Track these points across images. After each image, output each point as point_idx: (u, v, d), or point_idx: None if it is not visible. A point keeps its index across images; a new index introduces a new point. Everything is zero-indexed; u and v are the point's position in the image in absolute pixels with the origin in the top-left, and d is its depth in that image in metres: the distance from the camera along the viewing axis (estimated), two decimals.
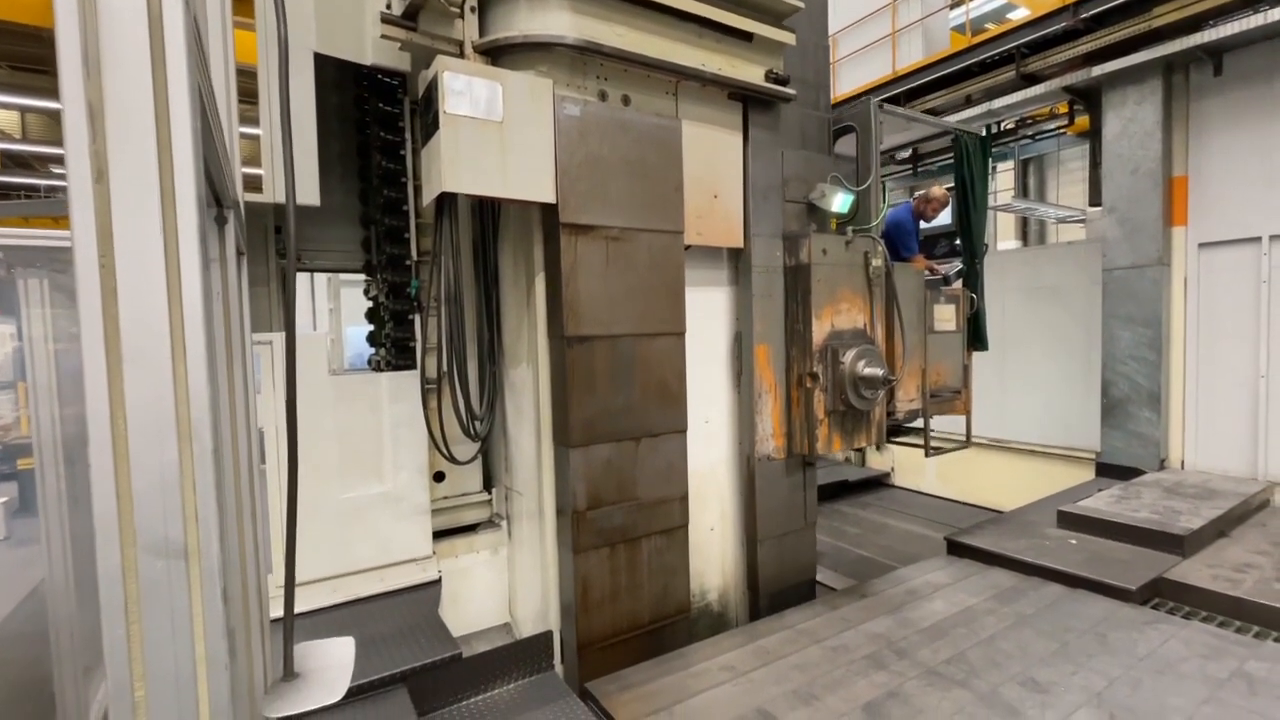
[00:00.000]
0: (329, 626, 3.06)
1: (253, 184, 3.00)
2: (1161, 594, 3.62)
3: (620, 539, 3.22)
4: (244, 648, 1.19)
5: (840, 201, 3.80)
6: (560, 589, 3.25)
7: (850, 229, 3.96)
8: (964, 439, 4.90)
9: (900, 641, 3.15)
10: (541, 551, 3.31)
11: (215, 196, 1.14)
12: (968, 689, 2.72)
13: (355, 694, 2.66)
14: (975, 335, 4.90)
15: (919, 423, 4.56)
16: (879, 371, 3.68)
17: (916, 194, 5.17)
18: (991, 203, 5.54)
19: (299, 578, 3.13)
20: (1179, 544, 3.91)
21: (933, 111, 8.05)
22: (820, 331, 3.74)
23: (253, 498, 1.46)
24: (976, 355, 4.99)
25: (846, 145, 4.30)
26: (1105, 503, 4.64)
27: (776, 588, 3.91)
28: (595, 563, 3.15)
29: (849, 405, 3.73)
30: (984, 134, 4.95)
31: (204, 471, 0.72)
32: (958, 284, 4.98)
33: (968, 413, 4.72)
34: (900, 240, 4.77)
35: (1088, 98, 6.38)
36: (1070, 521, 4.44)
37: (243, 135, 2.86)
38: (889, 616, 3.43)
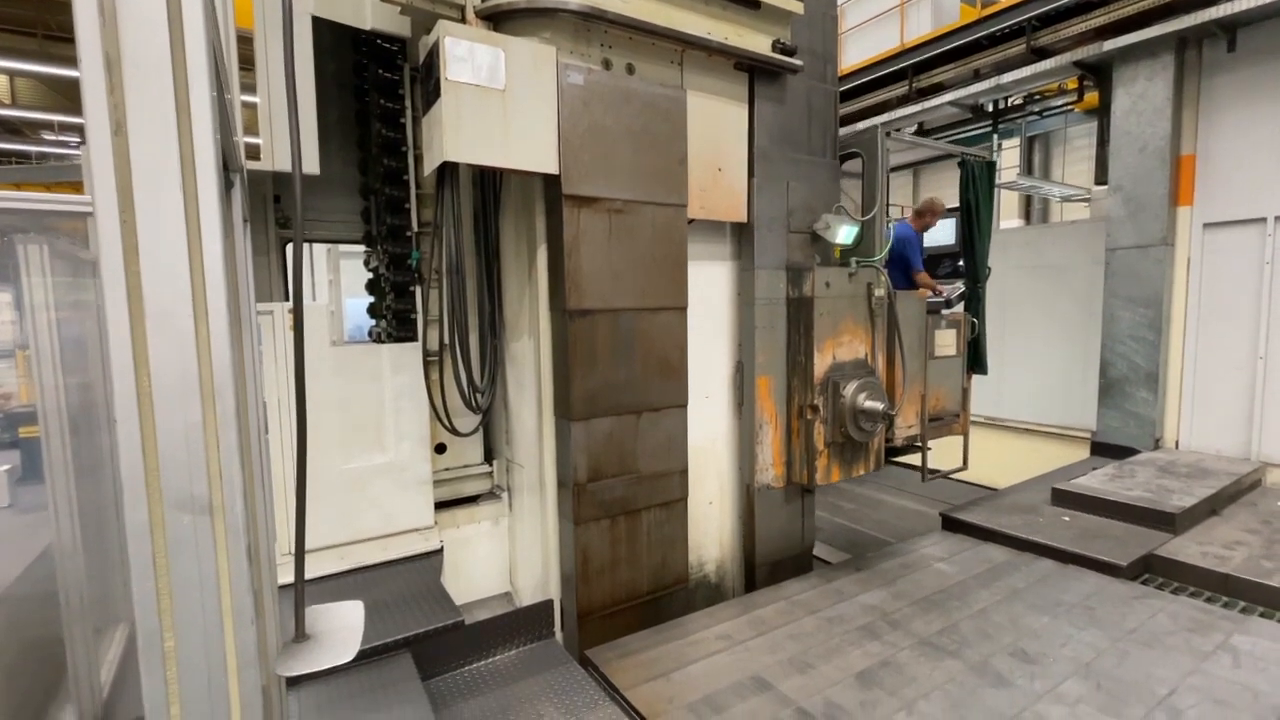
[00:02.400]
0: (335, 593, 3.11)
1: (250, 153, 2.96)
2: (1152, 570, 3.68)
3: (620, 511, 3.26)
4: (261, 609, 1.20)
5: (845, 234, 3.76)
6: (561, 559, 3.30)
7: (854, 260, 3.92)
8: (961, 462, 4.91)
9: (894, 613, 3.21)
10: (542, 523, 3.35)
11: (224, 161, 1.13)
12: (959, 659, 2.79)
13: (361, 658, 2.72)
14: (975, 359, 4.90)
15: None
16: (879, 405, 3.70)
17: (912, 212, 5.19)
18: (997, 180, 5.47)
19: (308, 545, 3.18)
20: (1170, 521, 3.96)
21: (940, 86, 7.93)
22: (822, 364, 3.73)
23: (261, 466, 1.47)
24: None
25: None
26: (1099, 481, 4.70)
27: (773, 559, 3.97)
28: (595, 534, 3.19)
29: (848, 437, 3.75)
30: (991, 159, 4.89)
31: (227, 431, 0.72)
32: (959, 307, 4.96)
33: (965, 434, 4.74)
34: (910, 255, 4.77)
35: (1098, 73, 6.28)
36: (1064, 499, 4.49)
37: (242, 103, 2.82)
38: (883, 589, 3.49)
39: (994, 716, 2.41)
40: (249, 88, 3.28)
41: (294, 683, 2.53)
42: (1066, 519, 4.26)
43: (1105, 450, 5.91)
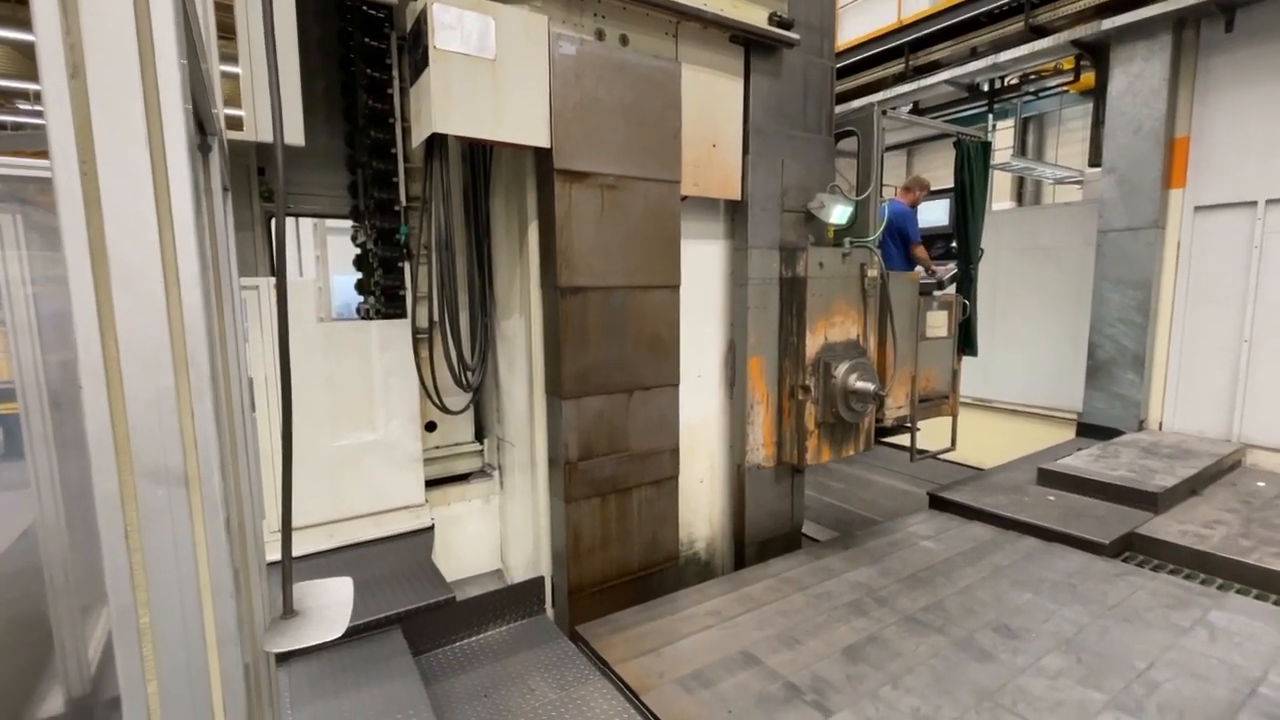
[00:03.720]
0: (326, 569, 3.11)
1: (232, 124, 2.87)
2: (1133, 548, 3.74)
3: (611, 489, 3.26)
4: (244, 585, 1.18)
5: (839, 213, 3.72)
6: (552, 537, 3.31)
7: (848, 240, 3.88)
8: (949, 442, 4.94)
9: (881, 590, 3.25)
10: (534, 500, 3.35)
11: (199, 122, 1.08)
12: (944, 635, 2.83)
13: (352, 634, 2.73)
14: (965, 340, 4.90)
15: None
16: (870, 386, 3.70)
17: (900, 190, 5.16)
18: (991, 161, 5.44)
19: (297, 523, 3.16)
20: (1152, 501, 4.02)
21: (937, 64, 7.84)
22: (814, 345, 3.72)
23: (245, 440, 1.44)
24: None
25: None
26: (1084, 461, 4.75)
27: (763, 538, 4.00)
28: (586, 512, 3.20)
29: (838, 417, 3.76)
30: (986, 139, 4.84)
31: (202, 398, 0.69)
32: (951, 289, 4.94)
33: (954, 415, 4.76)
34: (909, 228, 4.75)
35: (1095, 53, 6.23)
36: (1050, 479, 4.54)
37: (222, 74, 2.73)
38: (871, 566, 3.52)
39: (977, 690, 2.45)
40: (230, 58, 3.19)
41: (285, 658, 2.54)
42: (1051, 498, 4.32)
43: (1091, 431, 5.97)
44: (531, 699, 2.58)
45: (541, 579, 3.33)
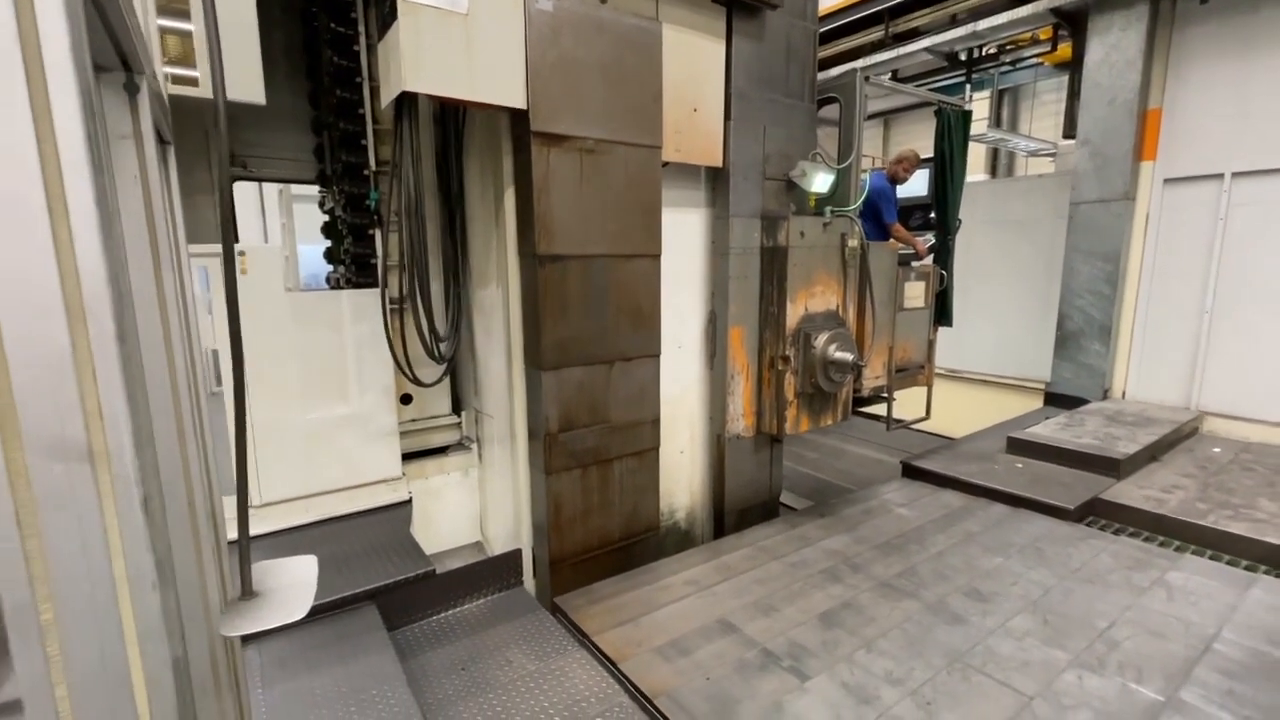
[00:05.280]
0: (302, 544, 3.05)
1: (186, 81, 2.69)
2: (1096, 512, 3.87)
3: (592, 460, 3.24)
4: (193, 569, 1.12)
5: (820, 181, 3.68)
6: (533, 508, 3.29)
7: (829, 209, 3.84)
8: (924, 412, 5.01)
9: (855, 557, 3.32)
10: (514, 473, 3.32)
11: (121, 58, 0.96)
12: (917, 599, 2.91)
13: (325, 610, 2.68)
14: (942, 311, 4.92)
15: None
16: (849, 356, 3.71)
17: (889, 161, 5.08)
18: (970, 131, 5.42)
19: (271, 497, 3.09)
20: (1115, 467, 4.16)
21: (916, 32, 7.76)
22: (794, 315, 3.71)
23: (198, 416, 1.35)
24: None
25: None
26: (1051, 430, 4.88)
27: (742, 507, 4.04)
28: (567, 483, 3.18)
29: (817, 387, 3.77)
30: (967, 109, 4.79)
31: (106, 359, 0.60)
32: (929, 259, 4.94)
33: (929, 385, 4.82)
34: (883, 206, 4.69)
35: (1074, 22, 6.22)
36: (1018, 447, 4.67)
37: (178, 32, 2.54)
38: (845, 534, 3.59)
39: (948, 652, 2.52)
40: (181, 13, 2.98)
41: (253, 638, 2.49)
42: (1020, 466, 4.44)
43: (1058, 400, 6.13)
44: (509, 670, 2.59)
45: (519, 551, 3.31)
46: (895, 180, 4.99)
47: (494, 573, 3.20)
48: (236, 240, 1.15)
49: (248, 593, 1.28)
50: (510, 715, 2.31)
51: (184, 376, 1.20)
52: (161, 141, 1.29)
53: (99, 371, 0.60)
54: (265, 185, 5.15)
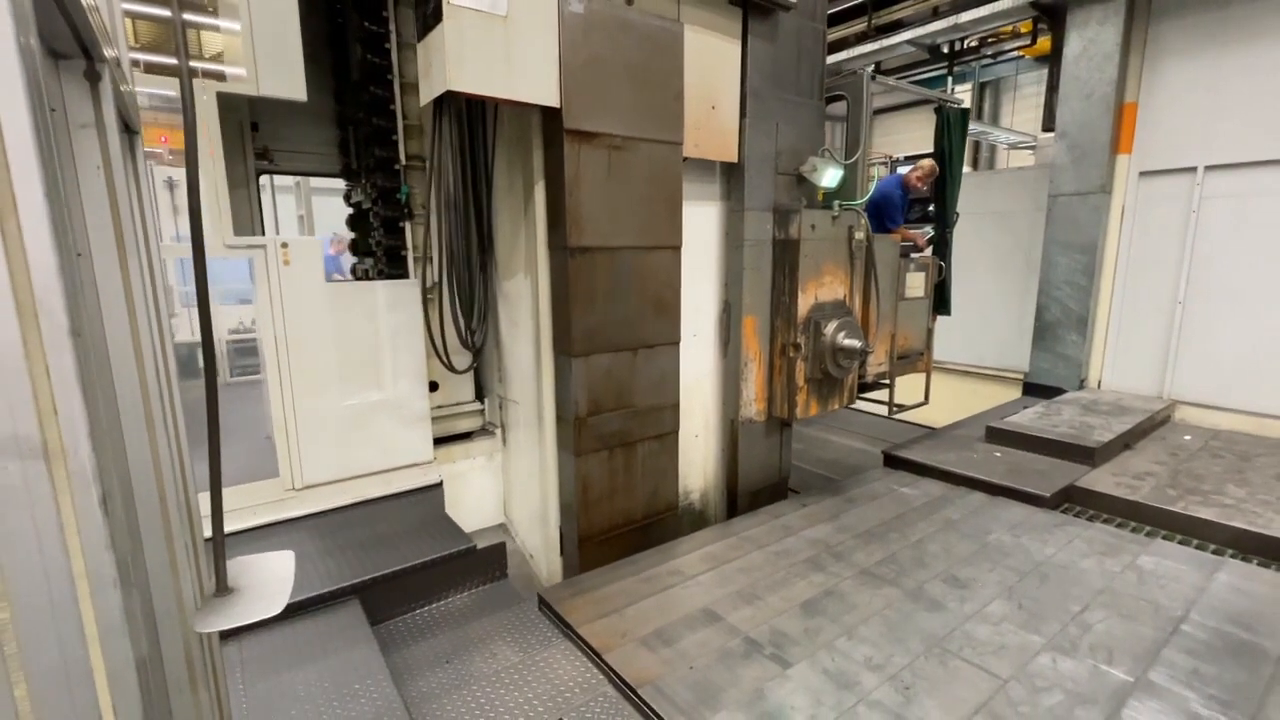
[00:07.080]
0: (341, 525, 3.16)
1: (215, 76, 2.76)
2: (1071, 500, 3.88)
3: (618, 443, 3.40)
4: (165, 566, 1.10)
5: (830, 176, 3.81)
6: (561, 489, 3.44)
7: (837, 202, 3.98)
8: (923, 397, 5.17)
9: (837, 546, 3.31)
10: (540, 456, 3.46)
11: (81, 45, 0.91)
12: (897, 586, 2.92)
13: (318, 603, 2.73)
14: (940, 300, 5.04)
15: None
16: (857, 343, 3.86)
17: (910, 169, 5.10)
18: (969, 128, 5.59)
19: (311, 480, 3.19)
20: (1090, 455, 4.22)
21: (899, 23, 7.91)
22: (805, 304, 3.84)
23: (171, 411, 1.30)
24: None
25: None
26: (1029, 419, 4.95)
27: (754, 488, 4.23)
28: (595, 465, 3.33)
29: (826, 373, 3.92)
30: (966, 106, 4.88)
31: (60, 355, 0.57)
32: (928, 251, 5.05)
33: (928, 372, 4.96)
34: (887, 213, 4.74)
35: (1053, 16, 6.35)
36: (997, 436, 4.73)
37: (226, 31, 2.60)
38: (828, 524, 3.58)
39: (927, 638, 2.54)
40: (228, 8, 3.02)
41: (234, 634, 2.48)
42: (998, 455, 4.50)
43: (1036, 390, 6.23)
44: (494, 663, 2.57)
45: (503, 545, 3.35)
46: (909, 188, 4.97)
47: (477, 566, 3.20)
48: (195, 226, 1.13)
49: (223, 589, 1.25)
50: (495, 707, 2.30)
51: (154, 370, 1.15)
52: (129, 130, 1.24)
53: (52, 367, 0.57)
54: (273, 179, 5.15)
